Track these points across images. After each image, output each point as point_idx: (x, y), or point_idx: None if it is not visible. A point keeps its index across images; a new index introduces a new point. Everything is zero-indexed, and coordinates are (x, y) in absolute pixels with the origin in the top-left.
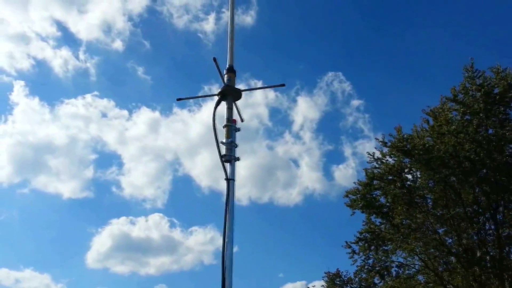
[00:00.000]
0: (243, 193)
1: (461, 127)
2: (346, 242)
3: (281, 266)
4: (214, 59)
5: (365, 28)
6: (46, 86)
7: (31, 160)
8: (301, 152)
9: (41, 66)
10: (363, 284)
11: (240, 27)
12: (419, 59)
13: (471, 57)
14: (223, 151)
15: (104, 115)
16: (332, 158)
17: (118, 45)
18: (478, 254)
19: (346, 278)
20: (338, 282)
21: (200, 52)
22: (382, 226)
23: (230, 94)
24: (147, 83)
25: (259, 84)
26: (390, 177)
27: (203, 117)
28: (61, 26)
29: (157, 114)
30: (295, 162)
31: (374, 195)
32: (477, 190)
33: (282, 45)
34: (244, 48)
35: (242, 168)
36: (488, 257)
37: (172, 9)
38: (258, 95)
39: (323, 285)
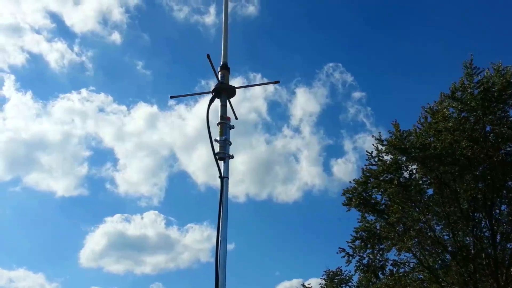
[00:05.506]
0: (241, 190)
1: (457, 124)
2: (340, 248)
3: (278, 264)
4: (208, 56)
5: (367, 19)
6: (40, 81)
7: (23, 157)
8: (301, 147)
9: (36, 60)
10: (363, 283)
11: (242, 17)
12: (424, 51)
13: (470, 53)
14: (217, 149)
15: (101, 110)
16: (332, 153)
17: (115, 37)
18: (473, 251)
19: (346, 277)
20: (336, 280)
21: (201, 46)
22: (378, 224)
23: (224, 92)
24: (145, 77)
25: (258, 76)
26: (387, 175)
27: (200, 111)
28: (55, 18)
29: (155, 108)
30: (295, 157)
31: (370, 193)
32: (473, 187)
33: (282, 35)
34: (245, 39)
35: (240, 164)
36: (483, 254)
37: (172, 1)
38: (257, 88)
39: (320, 284)
